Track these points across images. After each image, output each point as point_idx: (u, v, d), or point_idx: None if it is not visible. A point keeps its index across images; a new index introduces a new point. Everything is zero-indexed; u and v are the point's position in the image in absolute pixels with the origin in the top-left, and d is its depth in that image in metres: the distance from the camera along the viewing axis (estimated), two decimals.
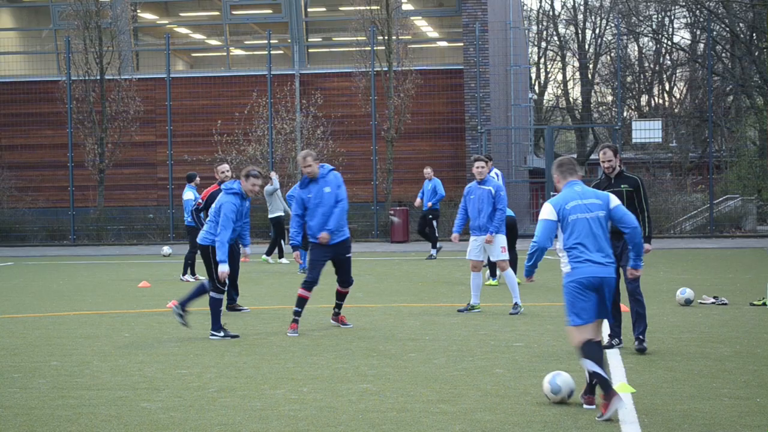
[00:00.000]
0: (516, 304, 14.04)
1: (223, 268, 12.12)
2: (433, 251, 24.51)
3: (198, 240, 12.64)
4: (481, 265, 14.54)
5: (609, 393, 7.73)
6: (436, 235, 24.54)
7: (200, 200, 15.28)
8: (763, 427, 7.45)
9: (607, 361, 8.22)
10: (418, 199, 24.63)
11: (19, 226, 34.79)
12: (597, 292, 8.12)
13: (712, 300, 14.81)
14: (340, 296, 13.05)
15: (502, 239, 14.36)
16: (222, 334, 12.16)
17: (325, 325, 13.32)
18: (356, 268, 20.94)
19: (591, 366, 7.90)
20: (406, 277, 19.94)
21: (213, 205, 12.65)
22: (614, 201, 8.40)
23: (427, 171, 24.62)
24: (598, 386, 7.91)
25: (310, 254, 12.81)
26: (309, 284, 12.65)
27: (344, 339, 11.98)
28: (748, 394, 8.55)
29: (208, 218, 12.67)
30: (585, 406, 8.12)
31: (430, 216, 24.28)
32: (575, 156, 65.82)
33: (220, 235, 12.18)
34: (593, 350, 7.95)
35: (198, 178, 20.66)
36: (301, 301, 12.60)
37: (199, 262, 17.95)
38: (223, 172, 15.29)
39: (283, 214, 23.09)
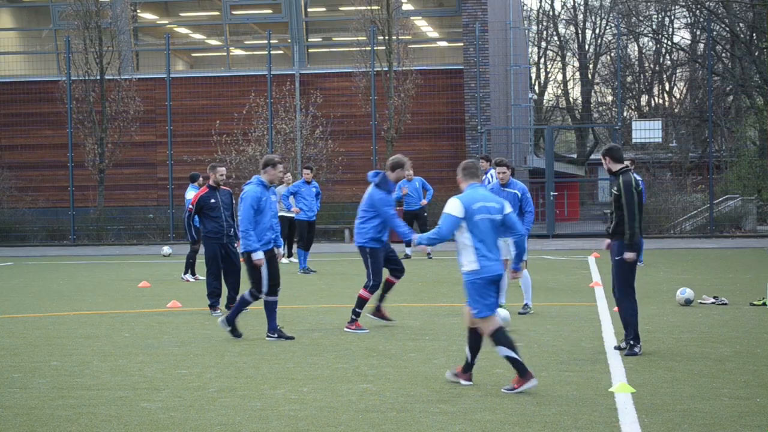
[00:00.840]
0: (526, 304, 14.03)
1: (257, 256, 11.97)
2: (429, 249, 24.69)
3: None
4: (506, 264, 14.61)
5: (525, 374, 8.75)
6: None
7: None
8: (763, 427, 7.45)
9: (516, 345, 8.99)
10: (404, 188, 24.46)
11: (19, 226, 34.78)
12: (495, 285, 9.03)
13: (712, 300, 14.81)
14: (389, 287, 13.04)
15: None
16: (229, 328, 12.11)
17: (325, 325, 13.32)
18: (357, 268, 20.95)
19: (505, 352, 8.87)
20: (406, 277, 19.82)
21: (239, 208, 12.37)
22: (508, 208, 9.20)
23: (408, 172, 24.63)
24: (514, 368, 8.82)
25: (377, 260, 12.65)
26: (375, 288, 12.77)
27: (344, 339, 11.99)
28: (748, 394, 8.55)
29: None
30: (462, 383, 9.07)
31: (426, 214, 24.55)
32: (575, 156, 65.86)
33: (241, 224, 12.01)
34: (504, 337, 8.95)
35: (201, 178, 20.68)
36: (362, 302, 12.70)
37: (200, 262, 17.95)
38: (221, 175, 15.23)
39: (285, 214, 22.95)
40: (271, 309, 12.13)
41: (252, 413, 8.14)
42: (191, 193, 20.23)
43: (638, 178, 10.98)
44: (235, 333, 12.16)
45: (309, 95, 34.97)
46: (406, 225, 12.99)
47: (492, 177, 18.54)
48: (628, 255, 10.52)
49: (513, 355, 8.82)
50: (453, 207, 8.95)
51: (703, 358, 10.27)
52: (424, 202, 24.43)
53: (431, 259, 24.42)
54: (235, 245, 15.03)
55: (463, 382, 9.10)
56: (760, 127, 43.90)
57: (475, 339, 9.15)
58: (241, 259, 12.75)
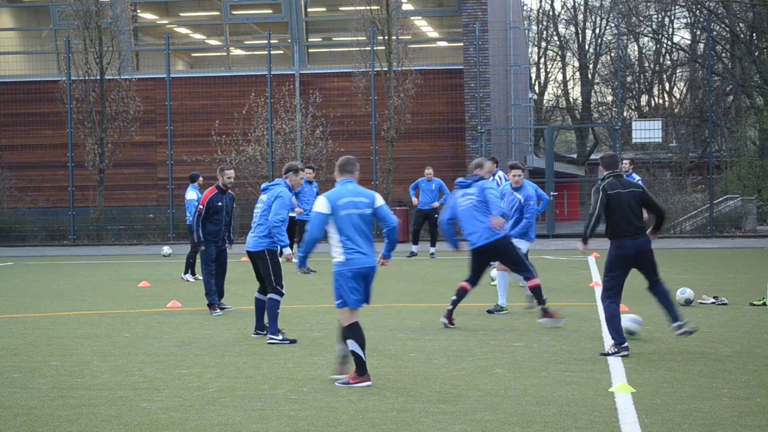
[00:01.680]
0: (498, 305, 14.19)
1: (289, 251, 12.14)
2: (432, 249, 24.86)
3: (249, 248, 12.37)
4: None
5: (363, 374, 9.10)
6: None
7: (201, 207, 15.02)
8: (763, 427, 7.45)
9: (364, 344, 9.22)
10: (415, 199, 25.05)
11: (19, 226, 34.77)
12: (364, 280, 9.26)
13: (712, 300, 14.81)
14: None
15: (517, 242, 14.43)
16: (280, 337, 11.77)
17: (325, 325, 13.32)
18: None
19: (354, 346, 9.13)
20: (406, 277, 19.93)
21: (258, 207, 12.36)
22: (379, 201, 9.44)
23: (429, 171, 24.99)
24: (355, 364, 9.12)
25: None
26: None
27: None
28: (748, 394, 8.55)
29: (255, 222, 12.35)
30: (361, 385, 9.08)
31: (437, 216, 24.75)
32: (575, 156, 65.86)
33: (280, 216, 12.05)
34: (358, 333, 9.20)
35: (201, 178, 20.68)
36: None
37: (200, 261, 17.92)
38: (229, 178, 15.25)
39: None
40: (273, 309, 12.08)
41: (252, 413, 8.14)
42: (191, 194, 20.21)
43: (637, 178, 11.02)
44: (287, 339, 11.80)
45: (309, 95, 34.96)
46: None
47: (501, 179, 18.68)
48: (581, 246, 11.05)
49: (360, 353, 9.11)
50: (320, 205, 9.28)
51: (703, 358, 10.27)
52: (436, 204, 24.77)
53: (434, 258, 24.49)
54: (227, 246, 15.10)
55: (349, 383, 9.09)
56: (760, 127, 43.87)
57: (360, 335, 9.30)
58: (240, 259, 12.71)
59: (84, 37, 34.57)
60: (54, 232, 34.92)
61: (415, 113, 34.53)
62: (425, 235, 26.59)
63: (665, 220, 10.92)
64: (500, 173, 19.10)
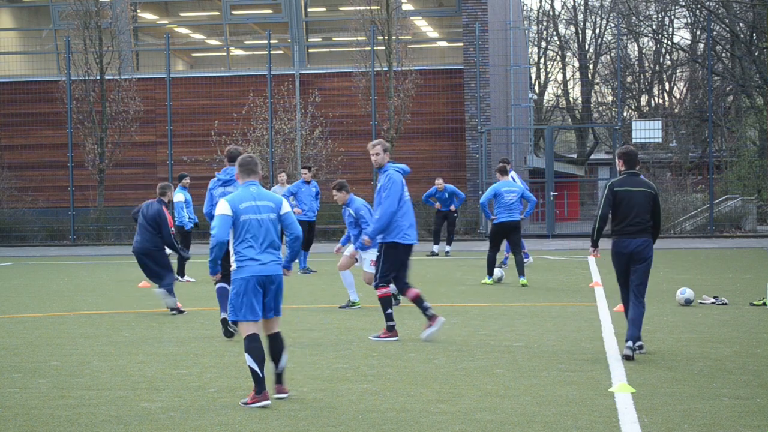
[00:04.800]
0: (350, 300, 14.80)
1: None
2: (448, 248, 25.88)
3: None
4: (351, 264, 14.76)
5: (261, 393, 8.38)
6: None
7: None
8: (763, 427, 7.45)
9: (265, 360, 8.58)
10: (438, 203, 25.53)
11: (19, 226, 34.76)
12: (263, 290, 8.61)
13: (712, 300, 14.81)
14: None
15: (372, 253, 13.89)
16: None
17: (325, 325, 13.31)
18: (357, 268, 20.94)
19: (249, 362, 8.47)
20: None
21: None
22: (285, 208, 8.80)
23: (439, 182, 25.57)
24: (254, 381, 8.44)
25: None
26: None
27: (344, 339, 11.99)
28: (748, 394, 8.55)
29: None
30: (276, 396, 8.64)
31: (456, 215, 25.93)
32: (575, 156, 65.85)
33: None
34: (255, 348, 8.51)
35: (187, 179, 20.79)
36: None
37: (194, 262, 17.93)
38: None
39: None
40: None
41: (252, 413, 8.14)
42: (178, 195, 20.29)
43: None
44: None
45: (308, 95, 34.95)
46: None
47: (513, 179, 19.11)
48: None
49: (257, 369, 8.44)
50: (221, 207, 8.63)
51: (703, 358, 10.27)
52: (453, 208, 25.50)
53: (449, 256, 24.81)
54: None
55: (249, 403, 8.42)
56: (760, 127, 43.89)
57: (263, 348, 8.65)
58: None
59: (84, 37, 34.56)
60: (54, 232, 34.92)
61: (415, 113, 34.53)
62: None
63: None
64: (513, 173, 19.91)
